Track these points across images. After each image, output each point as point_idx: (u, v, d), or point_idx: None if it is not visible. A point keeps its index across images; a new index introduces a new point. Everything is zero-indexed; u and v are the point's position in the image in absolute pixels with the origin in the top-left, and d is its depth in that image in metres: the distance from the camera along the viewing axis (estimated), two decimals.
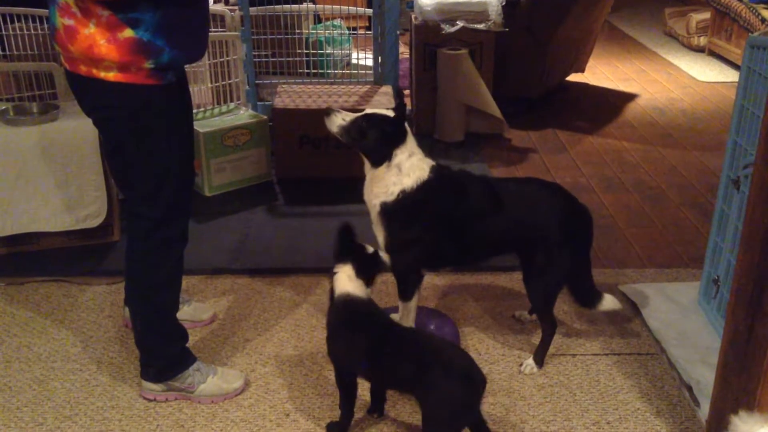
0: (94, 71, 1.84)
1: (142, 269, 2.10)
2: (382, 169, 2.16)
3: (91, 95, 1.92)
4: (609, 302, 2.38)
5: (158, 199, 2.01)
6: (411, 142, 2.19)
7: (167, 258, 2.09)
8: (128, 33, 1.80)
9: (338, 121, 2.18)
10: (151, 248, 2.07)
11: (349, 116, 2.19)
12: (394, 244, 2.21)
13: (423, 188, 2.16)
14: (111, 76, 1.84)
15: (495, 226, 2.26)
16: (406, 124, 2.20)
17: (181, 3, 1.85)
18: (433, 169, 2.21)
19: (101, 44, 1.79)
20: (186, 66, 2.08)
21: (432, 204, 2.19)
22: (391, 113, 2.19)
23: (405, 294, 2.29)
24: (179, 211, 2.08)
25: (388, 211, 2.18)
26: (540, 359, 2.36)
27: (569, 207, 2.32)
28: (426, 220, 2.20)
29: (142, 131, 1.93)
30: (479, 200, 2.27)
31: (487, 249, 2.35)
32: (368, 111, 2.22)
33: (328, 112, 2.20)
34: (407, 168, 2.16)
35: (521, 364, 2.36)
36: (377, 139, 2.15)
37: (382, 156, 2.15)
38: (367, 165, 2.21)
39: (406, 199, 2.16)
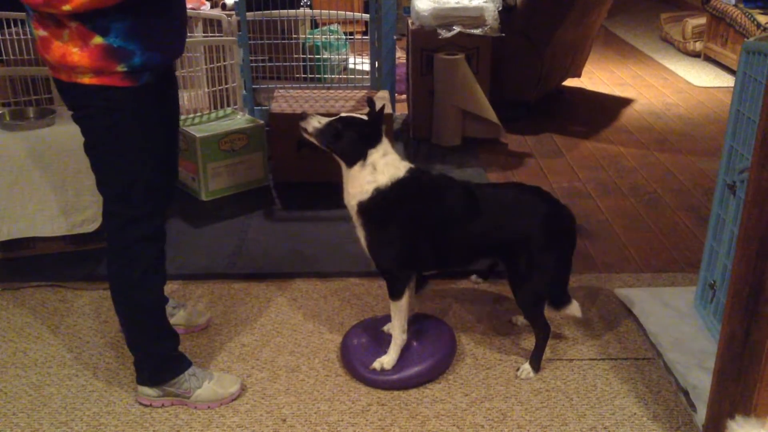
0: (73, 76, 1.89)
1: (119, 267, 2.11)
2: (357, 168, 2.18)
3: (71, 97, 1.97)
4: (573, 309, 2.39)
5: (130, 198, 2.02)
6: (385, 143, 2.21)
7: (143, 256, 2.09)
8: (98, 40, 1.83)
9: (314, 123, 2.20)
10: (126, 246, 2.07)
11: (324, 120, 2.21)
12: (374, 243, 2.23)
13: (398, 186, 2.18)
14: (86, 79, 1.88)
15: (474, 230, 2.27)
16: (382, 127, 2.22)
17: (152, 9, 1.86)
18: (409, 170, 2.22)
19: (74, 52, 1.83)
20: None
21: (407, 202, 2.20)
22: (364, 116, 2.21)
23: (393, 293, 2.27)
24: (153, 210, 2.08)
25: (364, 209, 2.20)
26: (536, 364, 2.35)
27: (550, 209, 2.32)
28: (402, 219, 2.21)
29: (114, 131, 1.96)
30: (457, 203, 2.27)
31: (468, 252, 2.35)
32: (343, 114, 2.24)
33: (303, 116, 2.21)
34: (381, 166, 2.17)
35: (518, 369, 2.36)
36: (352, 140, 2.17)
37: (356, 156, 2.18)
38: (343, 167, 2.23)
39: (380, 196, 2.17)
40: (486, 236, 2.28)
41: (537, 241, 2.25)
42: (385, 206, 2.19)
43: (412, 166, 2.25)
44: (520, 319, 2.60)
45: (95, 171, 2.06)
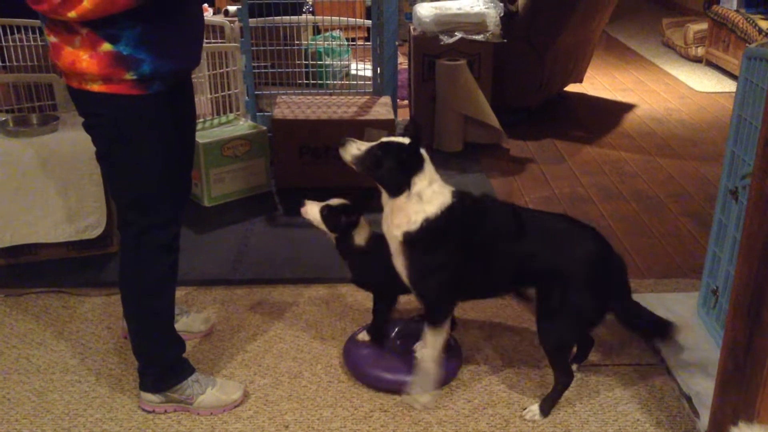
0: (83, 84, 1.89)
1: (133, 276, 2.11)
2: (402, 199, 2.04)
3: (82, 105, 1.97)
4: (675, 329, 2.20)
5: (145, 207, 2.02)
6: (428, 169, 2.07)
7: (158, 265, 2.09)
8: (107, 47, 1.82)
9: (353, 150, 2.07)
10: (141, 255, 2.07)
11: (364, 145, 2.08)
12: (419, 273, 2.11)
13: (447, 214, 2.05)
14: (96, 87, 1.87)
15: (517, 252, 2.12)
16: (423, 151, 2.08)
17: (163, 18, 1.86)
18: (454, 195, 2.09)
19: (83, 59, 1.83)
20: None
21: (456, 229, 2.07)
22: (406, 140, 2.07)
23: (434, 320, 2.15)
24: (169, 219, 2.07)
25: (411, 240, 2.06)
26: (547, 408, 2.20)
27: (599, 250, 2.12)
28: (451, 246, 2.08)
29: (125, 139, 1.95)
30: (503, 224, 2.14)
31: (509, 277, 2.19)
32: (384, 139, 2.09)
33: (342, 141, 2.09)
34: (429, 196, 2.04)
35: (524, 409, 2.21)
36: (394, 169, 2.03)
37: (400, 185, 2.03)
38: (385, 196, 2.08)
39: (430, 225, 2.04)
40: (526, 260, 2.12)
41: (574, 280, 2.07)
42: (433, 235, 2.05)
43: (453, 189, 2.12)
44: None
45: (108, 180, 2.06)
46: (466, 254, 2.11)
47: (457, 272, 2.12)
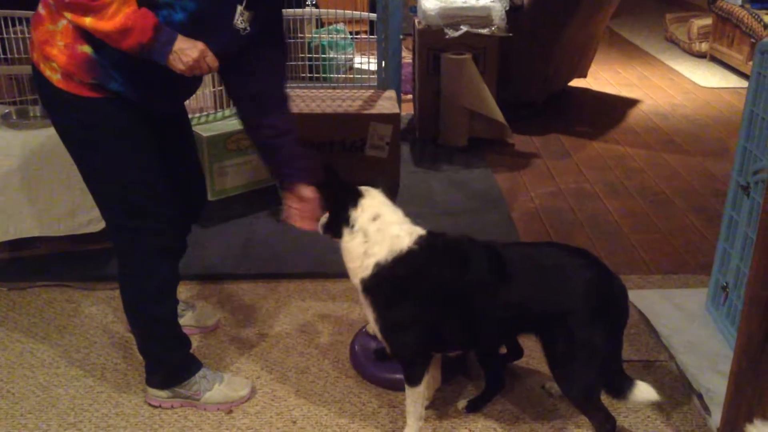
0: (41, 65, 1.83)
1: (130, 281, 2.07)
2: (346, 236, 1.91)
3: (40, 90, 1.90)
4: (644, 391, 1.93)
5: (128, 211, 1.95)
6: (371, 202, 1.91)
7: (155, 270, 2.03)
8: (86, 48, 1.78)
9: (322, 221, 2.05)
10: (136, 260, 2.02)
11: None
12: (386, 327, 1.93)
13: (404, 260, 1.86)
14: (54, 79, 1.82)
15: (502, 301, 1.90)
16: (366, 188, 1.95)
17: (152, 72, 1.80)
18: (418, 239, 1.90)
19: (57, 45, 1.78)
20: None
21: (421, 277, 1.88)
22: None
23: (411, 379, 1.98)
24: (158, 223, 1.99)
25: (369, 288, 1.90)
26: None
27: (597, 277, 1.91)
28: (417, 298, 1.89)
29: (91, 143, 1.89)
30: (481, 270, 1.92)
31: (496, 329, 2.00)
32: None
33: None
34: (373, 233, 1.88)
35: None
36: (326, 198, 1.95)
37: (337, 219, 1.92)
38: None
39: (384, 273, 1.86)
40: (516, 308, 1.91)
41: (579, 315, 1.87)
42: (393, 284, 1.88)
43: (422, 233, 1.93)
44: (555, 387, 2.24)
45: (86, 184, 2.01)
46: (440, 306, 1.91)
47: (431, 327, 1.93)
